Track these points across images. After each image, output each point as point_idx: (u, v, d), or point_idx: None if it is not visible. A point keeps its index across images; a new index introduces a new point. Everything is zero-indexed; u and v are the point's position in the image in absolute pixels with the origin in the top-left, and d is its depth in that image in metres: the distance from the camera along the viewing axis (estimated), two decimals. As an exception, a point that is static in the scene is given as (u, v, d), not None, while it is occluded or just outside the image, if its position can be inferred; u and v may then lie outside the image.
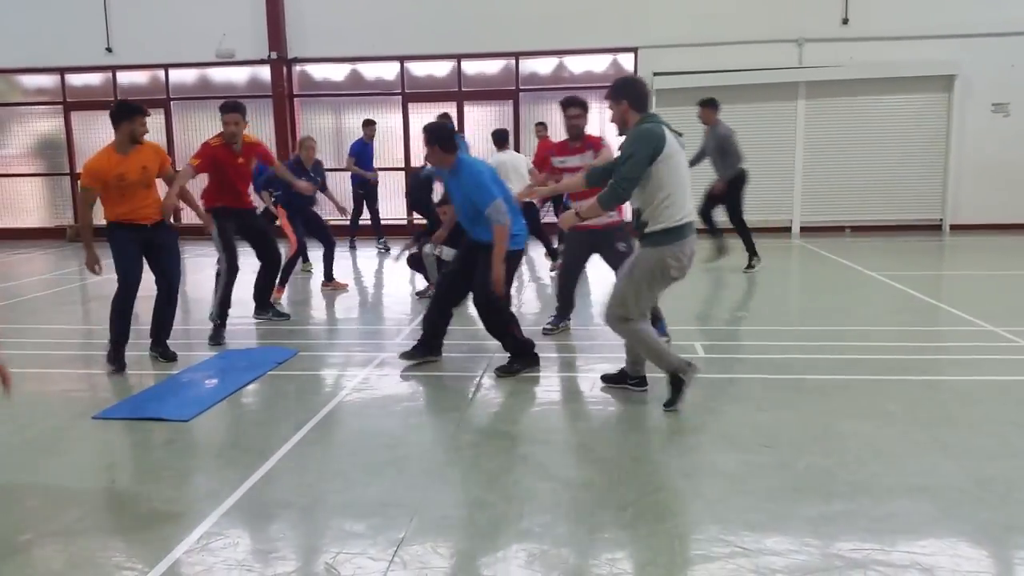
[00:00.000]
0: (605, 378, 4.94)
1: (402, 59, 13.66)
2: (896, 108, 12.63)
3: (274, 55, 13.50)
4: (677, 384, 4.47)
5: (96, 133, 13.89)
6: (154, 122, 13.93)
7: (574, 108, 6.01)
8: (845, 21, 12.55)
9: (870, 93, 12.63)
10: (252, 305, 7.17)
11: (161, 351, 5.85)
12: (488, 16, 13.09)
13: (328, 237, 8.49)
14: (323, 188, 8.58)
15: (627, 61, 13.32)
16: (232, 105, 6.45)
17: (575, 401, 4.83)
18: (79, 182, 5.45)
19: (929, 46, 12.31)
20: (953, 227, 12.67)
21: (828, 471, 3.59)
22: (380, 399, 4.87)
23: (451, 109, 13.60)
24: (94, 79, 14.35)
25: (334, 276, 8.72)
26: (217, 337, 6.33)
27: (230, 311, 6.52)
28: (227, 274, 6.44)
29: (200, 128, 13.74)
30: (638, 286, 4.39)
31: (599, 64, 13.49)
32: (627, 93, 4.37)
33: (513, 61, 13.49)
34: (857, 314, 7.08)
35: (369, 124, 11.72)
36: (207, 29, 13.49)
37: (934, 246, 11.63)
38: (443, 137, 5.10)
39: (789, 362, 5.41)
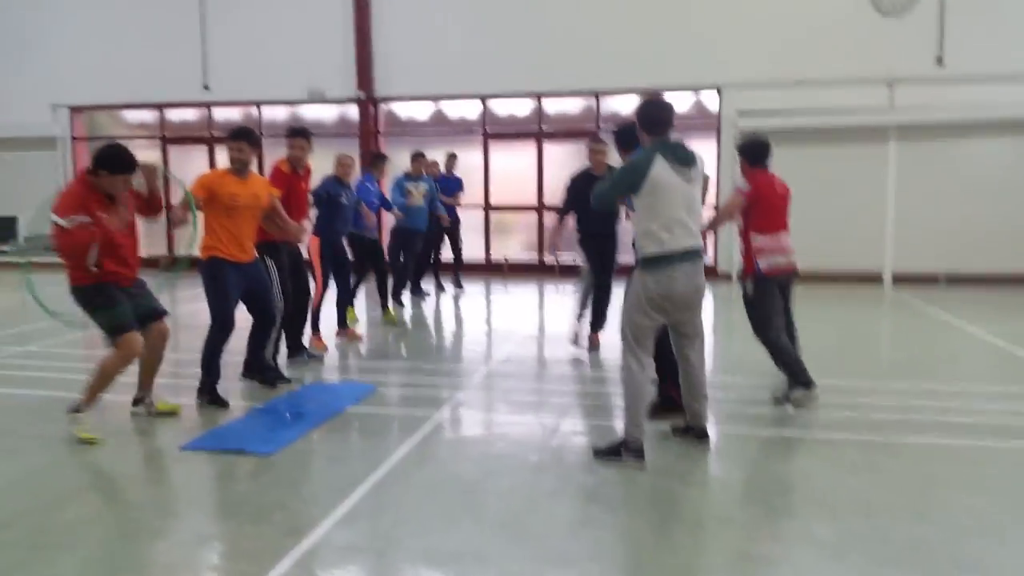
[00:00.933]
0: (674, 429, 4.81)
1: (483, 97, 13.87)
2: (995, 152, 12.10)
3: (362, 94, 13.88)
4: (615, 450, 4.38)
5: (191, 166, 14.52)
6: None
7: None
8: (939, 60, 12.15)
9: (967, 136, 12.15)
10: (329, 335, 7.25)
11: (260, 376, 6.05)
12: (569, 54, 13.18)
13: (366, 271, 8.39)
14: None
15: (711, 99, 13.19)
16: (300, 130, 6.60)
17: (652, 453, 4.70)
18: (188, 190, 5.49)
19: (1030, 87, 11.78)
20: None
21: (929, 545, 3.37)
22: (456, 440, 4.84)
23: (531, 147, 13.74)
24: (191, 115, 15.05)
25: (348, 323, 7.99)
26: (271, 372, 6.20)
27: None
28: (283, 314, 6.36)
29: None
30: (627, 311, 4.43)
31: (683, 102, 13.38)
32: (639, 116, 4.45)
33: (594, 99, 13.52)
34: (955, 371, 6.73)
35: (451, 157, 11.72)
36: (299, 69, 13.99)
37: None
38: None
39: (883, 422, 5.15)
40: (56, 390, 6.00)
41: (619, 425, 5.01)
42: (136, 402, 5.40)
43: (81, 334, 7.87)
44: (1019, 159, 12.06)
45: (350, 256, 8.12)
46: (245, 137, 5.64)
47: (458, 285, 11.53)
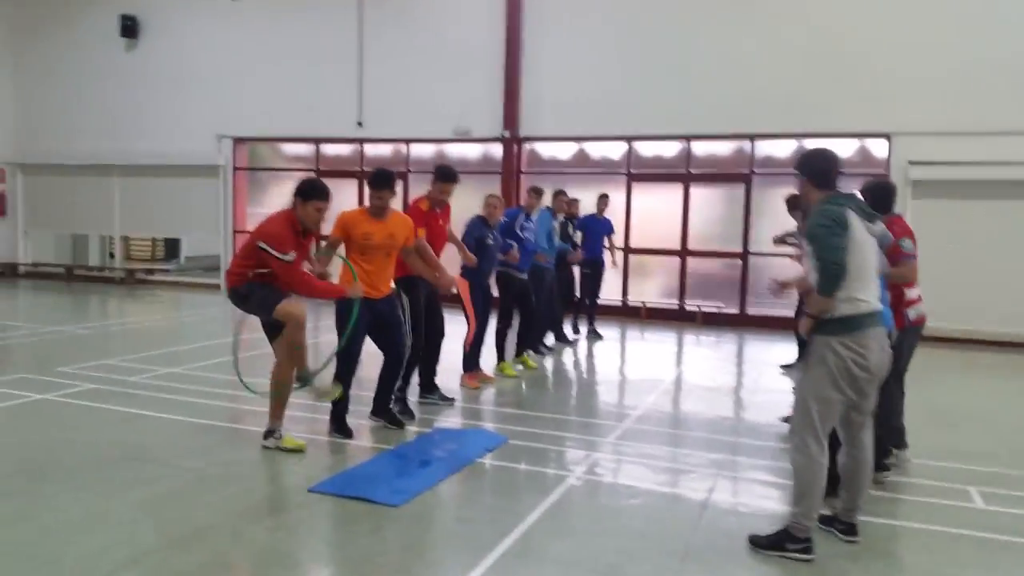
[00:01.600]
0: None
1: (629, 139, 13.54)
2: None
3: (507, 133, 13.90)
4: (780, 541, 3.87)
5: (341, 198, 14.94)
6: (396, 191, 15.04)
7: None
8: None
9: None
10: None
11: (388, 417, 5.95)
12: (722, 96, 12.65)
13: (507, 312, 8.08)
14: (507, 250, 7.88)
15: (878, 147, 12.28)
16: (446, 174, 6.55)
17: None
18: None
19: None
20: None
21: None
22: (592, 509, 4.44)
23: (678, 190, 13.26)
24: (344, 149, 15.59)
25: (479, 366, 7.71)
26: (396, 413, 6.16)
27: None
28: (414, 351, 6.33)
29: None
30: (813, 384, 3.84)
31: (845, 149, 12.52)
32: (807, 168, 4.02)
33: (747, 143, 12.91)
34: None
35: (602, 198, 11.21)
36: (447, 108, 14.20)
37: None
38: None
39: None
40: (200, 416, 6.09)
41: (776, 507, 4.47)
42: (267, 435, 5.37)
43: (230, 358, 8.05)
44: None
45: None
46: (388, 186, 5.66)
47: (593, 331, 11.08)
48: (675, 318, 13.23)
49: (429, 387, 6.87)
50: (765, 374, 8.88)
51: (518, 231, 8.14)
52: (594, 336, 10.91)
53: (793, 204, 9.05)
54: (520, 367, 8.40)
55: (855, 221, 3.87)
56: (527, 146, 14.27)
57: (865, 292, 3.83)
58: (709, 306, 13.09)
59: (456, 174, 6.64)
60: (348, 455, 5.31)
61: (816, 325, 3.88)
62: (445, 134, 14.41)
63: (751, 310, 13.00)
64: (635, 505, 4.53)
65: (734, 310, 13.05)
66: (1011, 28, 11.28)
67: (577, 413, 6.87)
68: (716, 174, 13.17)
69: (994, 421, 6.96)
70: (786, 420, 6.21)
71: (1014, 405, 7.85)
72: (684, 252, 13.32)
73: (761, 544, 3.94)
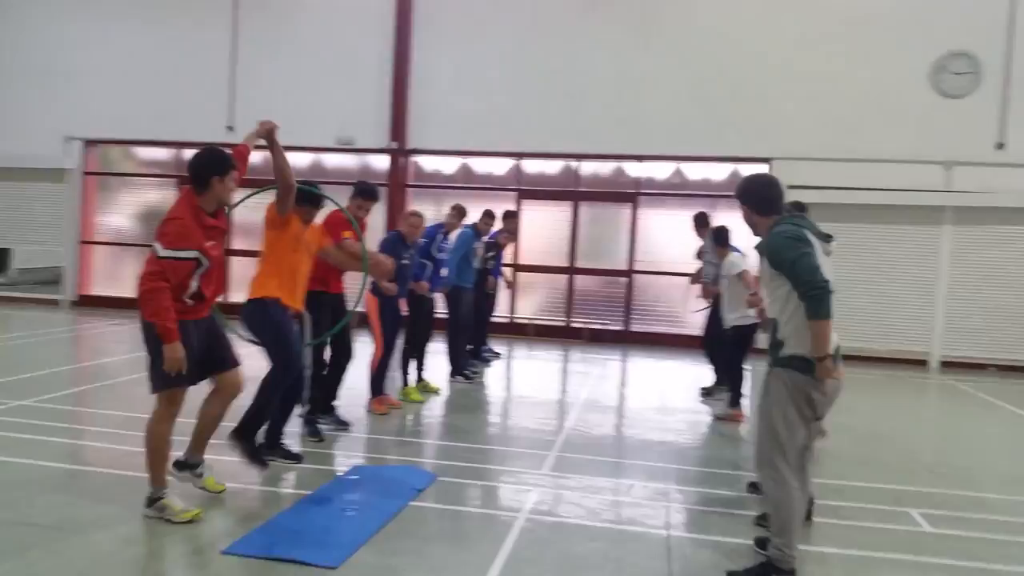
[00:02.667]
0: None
1: (518, 155, 13.33)
2: (1056, 240, 11.60)
3: (395, 144, 13.33)
4: (765, 574, 3.73)
5: None
6: (263, 200, 14.06)
7: None
8: (1000, 146, 11.71)
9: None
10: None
11: (282, 453, 5.33)
12: (608, 118, 12.72)
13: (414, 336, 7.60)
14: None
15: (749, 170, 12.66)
16: (369, 192, 6.35)
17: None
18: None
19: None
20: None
21: None
22: (556, 557, 4.01)
23: (567, 209, 13.17)
24: (211, 155, 14.43)
25: (384, 390, 7.13)
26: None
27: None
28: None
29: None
30: (782, 423, 3.70)
31: (722, 171, 12.87)
32: (748, 196, 3.94)
33: (635, 163, 13.01)
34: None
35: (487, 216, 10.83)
36: (329, 115, 13.47)
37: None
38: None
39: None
40: (65, 461, 5.17)
41: (735, 536, 4.23)
42: (181, 465, 4.58)
43: (80, 389, 7.02)
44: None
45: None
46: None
47: (489, 349, 10.70)
48: (562, 335, 13.08)
49: (327, 410, 6.29)
50: (670, 392, 8.83)
51: (434, 252, 7.68)
52: (492, 355, 10.54)
53: (702, 223, 9.11)
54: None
55: (814, 242, 3.75)
56: (413, 159, 13.75)
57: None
58: (595, 323, 13.05)
59: (377, 192, 6.34)
60: (252, 504, 4.61)
61: (773, 358, 3.74)
62: (326, 143, 13.65)
63: (635, 327, 13.08)
64: (599, 548, 4.15)
65: (619, 327, 13.08)
66: (881, 62, 12.00)
67: (499, 441, 6.44)
68: (604, 193, 13.19)
69: (892, 437, 7.14)
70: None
71: (906, 422, 8.16)
72: (572, 270, 13.22)
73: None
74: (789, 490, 3.69)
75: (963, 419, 8.61)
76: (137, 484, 4.46)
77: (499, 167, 13.57)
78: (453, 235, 8.28)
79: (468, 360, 9.03)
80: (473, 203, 13.10)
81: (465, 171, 13.74)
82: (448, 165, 13.81)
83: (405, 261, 7.04)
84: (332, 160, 14.01)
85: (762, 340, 6.24)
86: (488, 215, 9.14)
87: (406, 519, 4.43)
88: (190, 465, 4.58)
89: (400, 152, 13.47)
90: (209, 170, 4.26)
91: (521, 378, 9.84)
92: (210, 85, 13.97)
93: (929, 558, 4.22)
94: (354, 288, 6.12)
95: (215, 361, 4.40)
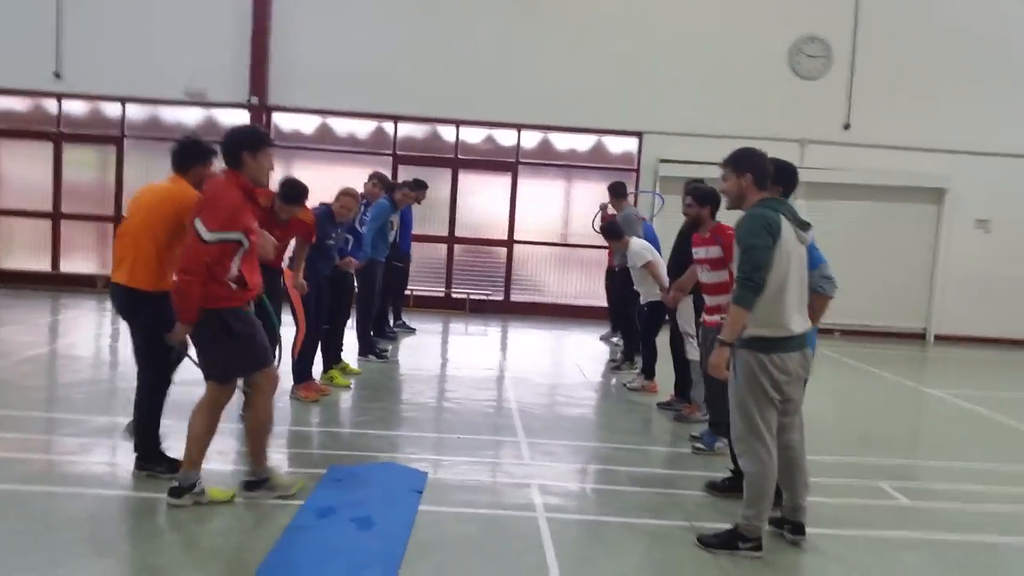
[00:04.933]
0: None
1: (396, 118, 12.74)
2: (889, 215, 12.89)
3: (255, 100, 12.24)
4: (731, 540, 3.93)
5: (28, 161, 12.19)
6: (105, 160, 12.48)
7: (687, 197, 5.97)
8: (847, 127, 12.80)
9: (866, 198, 12.86)
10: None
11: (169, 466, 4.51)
12: (485, 84, 12.48)
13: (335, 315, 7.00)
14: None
15: (631, 144, 12.99)
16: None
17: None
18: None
19: (922, 158, 12.70)
20: (936, 337, 12.93)
21: None
22: (607, 557, 3.87)
23: (447, 175, 12.81)
24: (31, 105, 12.50)
25: (311, 375, 6.63)
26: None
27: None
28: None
29: (155, 171, 12.12)
30: (747, 398, 3.85)
31: (587, 143, 13.06)
32: (752, 165, 3.92)
33: (514, 132, 12.87)
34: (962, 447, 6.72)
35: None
36: (177, 65, 12.10)
37: (933, 356, 11.79)
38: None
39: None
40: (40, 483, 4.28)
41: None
42: (252, 485, 4.23)
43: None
44: (909, 224, 12.90)
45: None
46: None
47: (403, 324, 10.34)
48: (442, 306, 12.81)
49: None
50: (584, 364, 8.89)
51: (356, 225, 7.13)
52: (405, 329, 10.15)
53: (620, 192, 9.18)
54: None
55: (787, 230, 3.81)
56: (276, 116, 12.72)
57: (787, 313, 3.79)
58: (477, 294, 12.89)
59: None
60: (239, 515, 4.06)
61: (739, 339, 3.81)
62: (173, 95, 12.29)
63: (515, 297, 13.08)
64: (639, 549, 4.05)
65: (499, 298, 13.01)
66: (743, 43, 12.63)
67: (460, 427, 6.03)
68: (484, 161, 12.95)
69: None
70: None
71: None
72: (451, 239, 12.93)
73: (711, 544, 3.96)
74: (761, 465, 3.83)
75: (843, 384, 9.39)
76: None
77: (364, 129, 12.89)
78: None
79: (376, 338, 8.58)
80: (342, 167, 12.58)
81: (326, 132, 12.92)
82: (308, 124, 12.92)
83: (331, 241, 6.51)
84: (177, 115, 12.61)
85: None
86: (410, 186, 8.64)
87: (427, 528, 4.07)
88: (187, 488, 3.96)
89: (262, 108, 12.40)
90: (238, 146, 3.98)
91: (430, 353, 9.51)
92: (29, 25, 12.04)
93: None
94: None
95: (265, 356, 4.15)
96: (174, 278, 3.94)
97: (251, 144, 3.98)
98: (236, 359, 4.01)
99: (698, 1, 12.67)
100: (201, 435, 4.03)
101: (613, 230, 7.96)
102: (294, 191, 5.71)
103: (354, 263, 7.01)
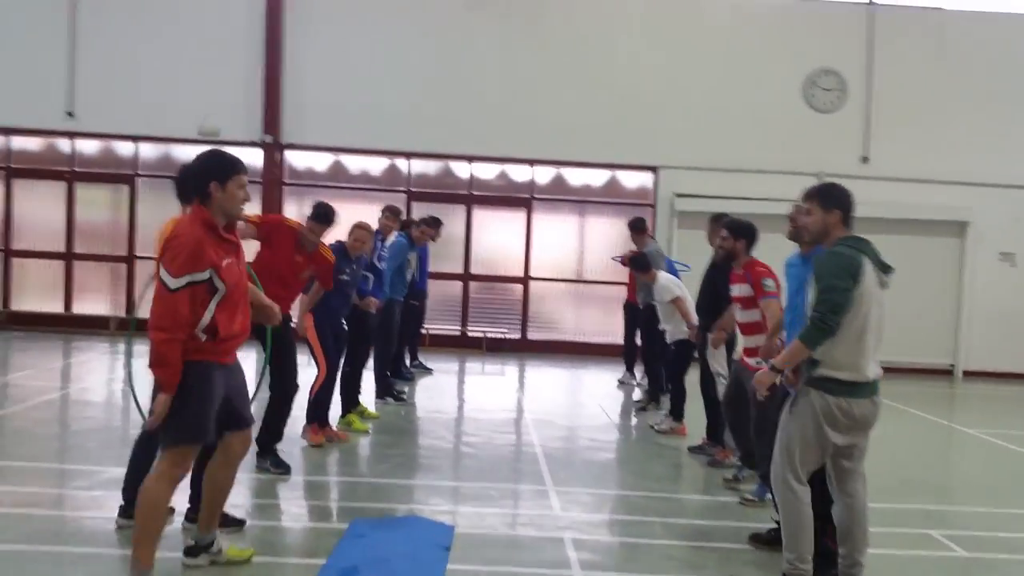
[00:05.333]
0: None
1: (409, 155, 12.67)
2: (911, 249, 12.66)
3: (268, 138, 12.19)
4: None
5: (42, 202, 12.19)
6: (118, 199, 12.42)
7: (722, 229, 5.90)
8: (865, 159, 12.65)
9: (887, 232, 12.63)
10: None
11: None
12: (496, 119, 12.37)
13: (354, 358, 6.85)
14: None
15: (647, 179, 12.87)
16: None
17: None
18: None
19: (943, 191, 12.51)
20: (965, 373, 12.61)
21: None
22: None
23: (461, 211, 12.68)
24: (45, 145, 12.50)
25: (329, 421, 6.42)
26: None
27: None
28: None
29: (169, 211, 12.01)
30: (797, 428, 3.72)
31: (601, 178, 12.95)
32: (839, 202, 3.81)
33: (528, 167, 12.76)
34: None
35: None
36: (191, 104, 12.07)
37: (963, 392, 11.49)
38: None
39: None
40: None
41: None
42: (193, 551, 3.79)
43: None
44: (931, 258, 12.65)
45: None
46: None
47: (419, 364, 10.17)
48: (458, 345, 12.60)
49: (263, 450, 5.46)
50: (607, 404, 8.65)
51: (375, 261, 6.97)
52: (422, 370, 9.96)
53: (640, 227, 9.03)
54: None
55: (869, 272, 3.68)
56: (288, 155, 12.67)
57: (864, 358, 3.67)
58: (494, 332, 12.68)
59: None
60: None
61: (807, 376, 3.69)
62: (186, 133, 12.23)
63: (532, 335, 12.87)
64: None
65: (516, 336, 12.80)
66: (757, 77, 12.54)
67: (481, 474, 5.78)
68: (498, 197, 12.84)
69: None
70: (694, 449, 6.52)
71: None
72: (467, 276, 12.76)
73: None
74: (799, 506, 3.71)
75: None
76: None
77: (378, 166, 12.82)
78: (390, 239, 7.59)
79: (393, 379, 8.37)
80: (355, 204, 12.46)
81: (340, 169, 12.85)
82: (321, 162, 12.87)
83: (345, 277, 6.31)
84: (190, 154, 12.50)
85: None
86: (427, 223, 8.49)
87: (454, 587, 3.85)
88: (204, 547, 3.73)
89: (275, 146, 12.35)
90: (205, 176, 3.52)
91: (448, 395, 9.30)
92: (44, 64, 12.05)
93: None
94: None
95: (232, 417, 3.61)
96: (150, 338, 3.32)
97: (218, 173, 3.51)
98: (170, 417, 3.37)
99: (711, 35, 12.61)
100: (210, 491, 3.75)
101: (641, 263, 7.77)
102: (325, 211, 5.59)
103: (375, 303, 6.83)
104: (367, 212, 10.50)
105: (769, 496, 5.14)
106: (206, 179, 3.51)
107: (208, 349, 3.43)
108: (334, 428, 6.51)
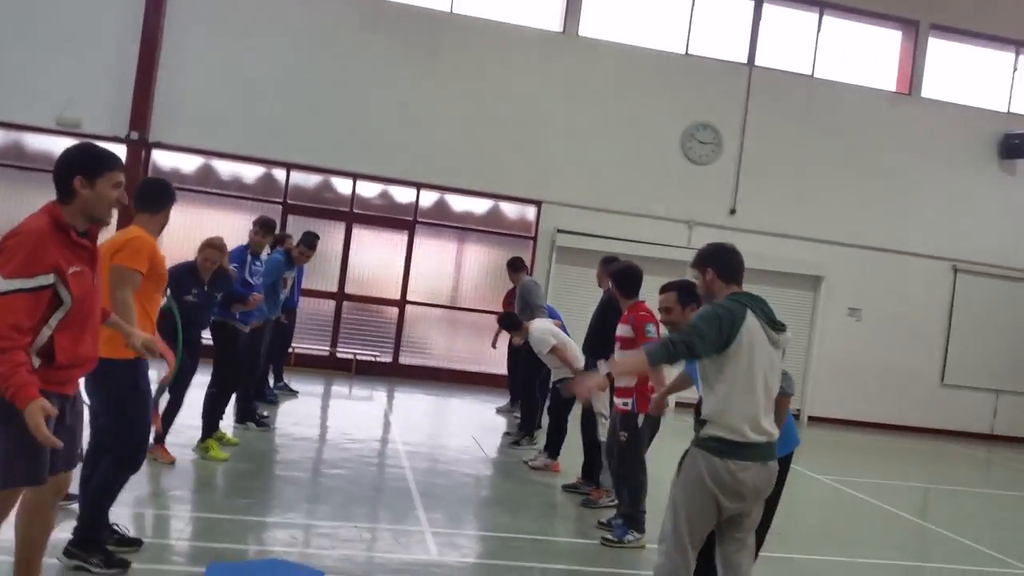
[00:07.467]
0: None
1: (288, 165, 12.19)
2: (769, 299, 13.36)
3: (135, 135, 11.39)
4: None
5: None
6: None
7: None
8: (732, 211, 13.30)
9: (749, 282, 13.24)
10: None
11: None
12: (390, 141, 12.19)
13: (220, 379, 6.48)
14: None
15: (530, 212, 12.98)
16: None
17: None
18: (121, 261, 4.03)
19: (801, 247, 13.35)
20: (810, 418, 13.42)
21: None
22: None
23: (340, 228, 12.30)
24: None
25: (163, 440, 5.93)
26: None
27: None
28: None
29: (15, 203, 10.95)
30: (684, 499, 3.59)
31: (505, 210, 12.99)
32: (712, 261, 3.78)
33: (413, 190, 12.57)
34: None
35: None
36: (49, 91, 11.14)
37: (807, 437, 12.14)
38: None
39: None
40: None
41: None
42: None
43: None
44: (786, 309, 13.43)
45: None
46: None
47: (285, 386, 9.67)
48: (326, 366, 12.14)
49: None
50: (480, 436, 8.52)
51: (248, 277, 6.55)
52: (286, 391, 9.47)
53: (518, 266, 9.01)
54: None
55: (753, 324, 3.62)
56: (155, 154, 11.89)
57: (752, 416, 3.54)
58: (364, 354, 12.32)
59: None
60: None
61: (696, 438, 3.63)
62: (42, 122, 11.26)
63: (403, 360, 12.60)
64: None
65: (387, 359, 12.50)
66: (641, 124, 12.97)
67: (357, 512, 5.51)
68: (381, 217, 12.57)
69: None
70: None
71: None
72: (341, 296, 12.36)
73: None
74: (675, 569, 3.54)
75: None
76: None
77: (252, 174, 12.27)
78: (264, 254, 7.17)
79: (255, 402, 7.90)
80: (226, 212, 11.85)
81: (210, 173, 12.18)
82: (191, 164, 12.17)
83: (190, 298, 5.76)
84: (43, 143, 11.56)
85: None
86: (306, 243, 8.09)
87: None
88: None
89: (141, 144, 11.56)
90: (68, 170, 3.02)
91: (314, 420, 8.89)
92: None
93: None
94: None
95: (63, 457, 3.10)
96: None
97: (88, 167, 3.02)
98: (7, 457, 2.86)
99: (602, 80, 12.93)
100: (22, 543, 3.20)
101: (511, 323, 7.77)
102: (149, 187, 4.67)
103: (257, 298, 6.45)
104: (239, 221, 10.13)
105: (630, 538, 5.22)
106: (70, 173, 3.01)
107: (42, 377, 2.84)
108: (171, 453, 5.97)
